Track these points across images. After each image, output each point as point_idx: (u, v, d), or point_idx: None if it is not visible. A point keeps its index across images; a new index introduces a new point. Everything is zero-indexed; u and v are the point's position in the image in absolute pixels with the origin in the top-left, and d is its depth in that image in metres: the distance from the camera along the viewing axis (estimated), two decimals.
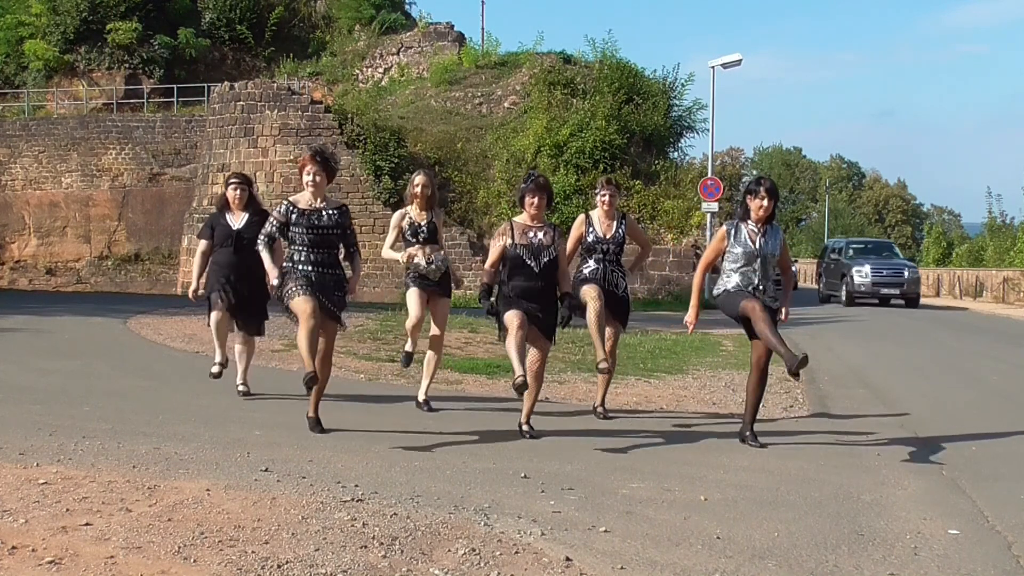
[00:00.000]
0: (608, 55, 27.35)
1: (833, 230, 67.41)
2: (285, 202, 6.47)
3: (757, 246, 6.43)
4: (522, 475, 5.27)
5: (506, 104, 27.76)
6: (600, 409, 7.65)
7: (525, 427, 6.60)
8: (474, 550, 3.87)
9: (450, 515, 4.33)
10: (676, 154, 28.21)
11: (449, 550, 3.87)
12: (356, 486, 4.78)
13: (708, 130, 26.73)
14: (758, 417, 6.92)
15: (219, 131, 26.01)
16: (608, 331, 7.28)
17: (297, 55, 34.36)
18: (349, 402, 7.94)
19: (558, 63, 28.06)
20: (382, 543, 3.89)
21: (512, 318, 6.33)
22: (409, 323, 7.44)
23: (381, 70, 33.57)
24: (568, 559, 3.82)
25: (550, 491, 4.94)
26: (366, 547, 3.84)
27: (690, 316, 6.64)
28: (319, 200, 6.39)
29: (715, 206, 23.54)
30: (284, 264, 6.38)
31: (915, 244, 72.83)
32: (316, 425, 6.40)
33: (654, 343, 13.57)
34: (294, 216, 6.31)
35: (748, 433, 6.62)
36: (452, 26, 33.71)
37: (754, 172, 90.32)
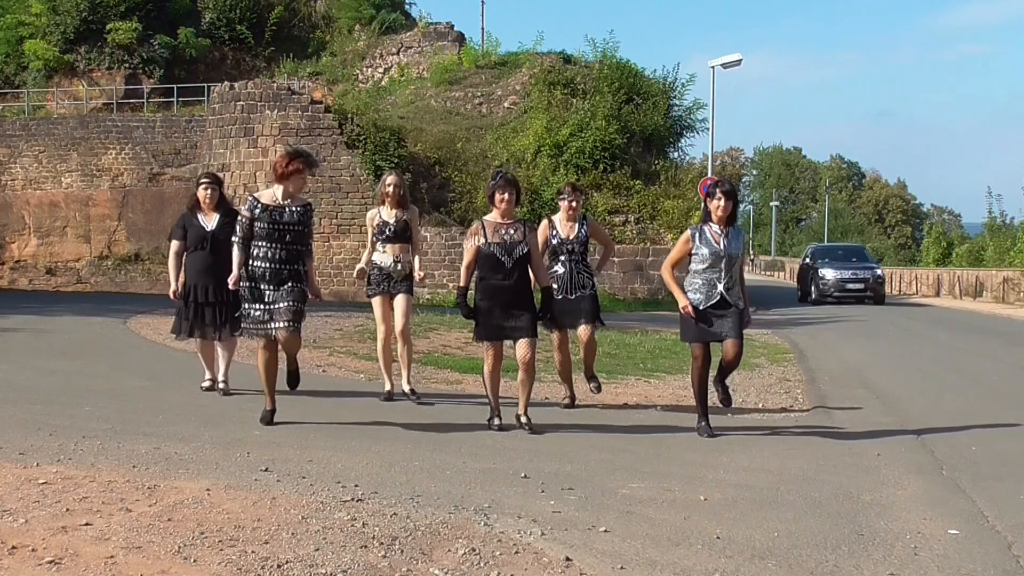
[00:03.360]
0: (608, 55, 27.33)
1: (833, 230, 67.32)
2: (251, 198, 6.65)
3: (722, 247, 6.69)
4: (522, 475, 5.27)
5: (506, 104, 27.74)
6: (568, 400, 8.11)
7: (523, 419, 6.79)
8: (474, 550, 3.87)
9: (450, 515, 4.33)
10: (676, 154, 28.22)
11: (449, 550, 3.87)
12: (356, 486, 4.78)
13: (708, 130, 26.78)
14: (758, 408, 6.92)
15: (219, 131, 26.00)
16: (585, 328, 7.77)
17: (297, 55, 34.31)
18: (349, 400, 7.94)
19: (558, 63, 28.03)
20: (382, 543, 3.89)
21: (487, 348, 6.68)
22: (379, 341, 7.94)
23: (381, 70, 33.54)
24: (568, 559, 3.82)
25: (550, 491, 4.94)
26: (366, 547, 3.84)
27: (683, 303, 6.82)
28: (285, 197, 6.53)
29: None
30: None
31: (915, 244, 72.79)
32: (270, 417, 6.65)
33: (654, 343, 13.57)
34: (258, 211, 6.47)
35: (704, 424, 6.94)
36: (452, 26, 33.68)
37: (754, 172, 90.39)
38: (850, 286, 26.17)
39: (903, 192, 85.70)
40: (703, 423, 6.92)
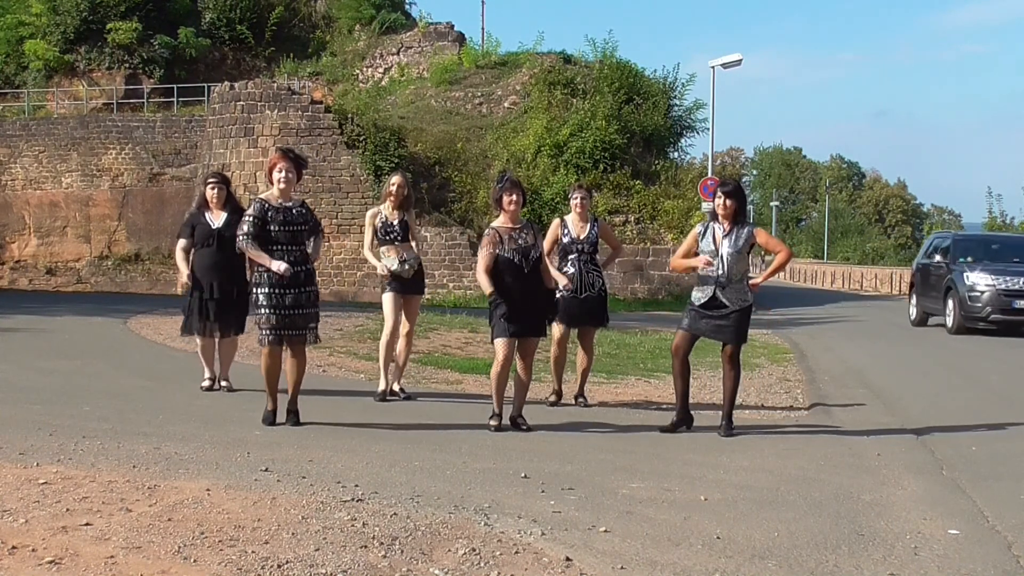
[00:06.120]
0: (608, 55, 27.34)
1: (833, 230, 67.31)
2: (258, 199, 6.66)
3: (715, 247, 6.81)
4: (522, 475, 5.27)
5: (506, 104, 27.74)
6: (581, 399, 8.21)
7: (520, 420, 6.89)
8: (474, 550, 3.87)
9: (450, 515, 4.33)
10: (676, 154, 28.21)
11: (449, 550, 3.87)
12: (356, 486, 4.78)
13: (708, 130, 26.74)
14: (759, 407, 6.93)
15: (219, 131, 26.00)
16: (588, 331, 8.16)
17: (297, 55, 34.32)
18: (349, 400, 7.94)
19: (558, 63, 28.03)
20: (382, 543, 3.89)
21: (501, 347, 6.69)
22: (384, 337, 7.91)
23: (381, 70, 33.55)
24: (568, 559, 3.82)
25: (550, 491, 4.94)
26: (366, 547, 3.84)
27: (701, 262, 6.77)
28: (285, 198, 6.59)
29: None
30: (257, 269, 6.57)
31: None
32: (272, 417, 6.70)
33: (654, 343, 13.57)
34: (271, 213, 6.48)
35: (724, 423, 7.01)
36: (452, 26, 33.69)
37: (754, 172, 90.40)
38: (1021, 304, 15.39)
39: (903, 192, 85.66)
40: (672, 421, 7.06)
